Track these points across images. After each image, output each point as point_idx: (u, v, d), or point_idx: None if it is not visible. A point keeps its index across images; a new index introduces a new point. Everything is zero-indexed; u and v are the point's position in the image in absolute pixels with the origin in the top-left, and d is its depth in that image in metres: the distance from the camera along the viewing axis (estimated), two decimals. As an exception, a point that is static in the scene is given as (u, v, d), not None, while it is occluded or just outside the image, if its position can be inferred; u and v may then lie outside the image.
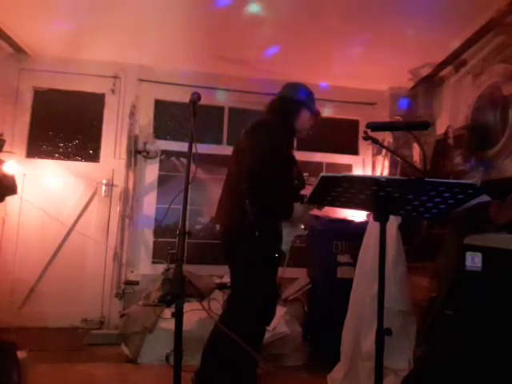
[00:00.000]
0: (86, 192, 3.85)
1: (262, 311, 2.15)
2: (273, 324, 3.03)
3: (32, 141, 3.89)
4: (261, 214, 2.01)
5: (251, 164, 2.00)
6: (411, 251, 2.81)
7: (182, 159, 4.04)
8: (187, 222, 3.97)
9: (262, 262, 2.09)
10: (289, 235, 2.15)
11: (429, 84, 3.94)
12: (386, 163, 3.93)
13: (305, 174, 4.13)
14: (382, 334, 1.49)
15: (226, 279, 3.66)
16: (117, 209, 3.83)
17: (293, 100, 2.27)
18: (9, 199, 3.44)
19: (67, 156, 3.98)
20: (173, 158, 4.05)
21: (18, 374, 2.17)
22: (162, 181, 4.00)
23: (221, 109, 4.19)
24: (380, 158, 4.07)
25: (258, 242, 2.05)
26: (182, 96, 3.64)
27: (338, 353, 2.64)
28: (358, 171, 4.29)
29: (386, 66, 3.66)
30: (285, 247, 2.13)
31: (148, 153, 3.87)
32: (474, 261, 1.97)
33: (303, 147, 4.31)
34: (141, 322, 2.99)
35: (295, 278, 3.68)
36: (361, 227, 2.90)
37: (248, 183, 1.99)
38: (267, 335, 2.95)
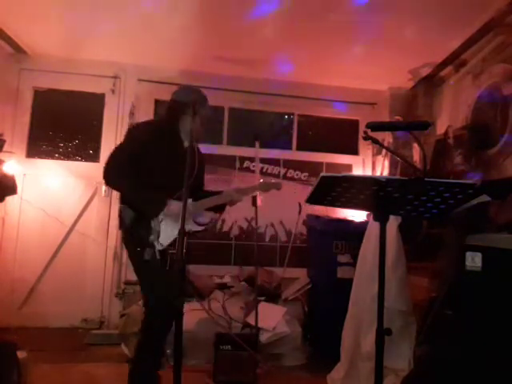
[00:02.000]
0: (86, 192, 3.85)
1: (151, 304, 2.26)
2: (273, 324, 3.04)
3: (32, 141, 3.89)
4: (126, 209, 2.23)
5: (105, 164, 2.22)
6: (411, 251, 2.81)
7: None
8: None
9: (134, 254, 2.23)
10: (168, 230, 2.21)
11: (429, 84, 3.93)
12: (386, 163, 3.93)
13: (304, 174, 4.19)
14: (382, 333, 1.50)
15: (226, 279, 3.67)
16: (117, 209, 3.82)
17: (177, 102, 2.36)
18: (9, 199, 3.44)
19: (67, 156, 3.98)
20: (173, 158, 4.05)
21: (18, 373, 2.18)
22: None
23: (221, 109, 4.19)
24: (380, 158, 4.07)
25: (128, 235, 2.26)
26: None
27: (338, 353, 2.65)
28: (358, 171, 4.29)
29: (385, 66, 3.66)
30: (164, 242, 2.19)
31: (148, 153, 3.87)
32: (474, 261, 1.97)
33: (303, 147, 4.33)
34: (141, 322, 2.98)
35: (295, 278, 3.68)
36: (361, 227, 2.90)
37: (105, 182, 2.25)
38: (267, 335, 2.97)
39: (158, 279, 2.23)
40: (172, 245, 2.22)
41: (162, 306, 2.20)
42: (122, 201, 2.28)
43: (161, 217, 2.21)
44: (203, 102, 2.38)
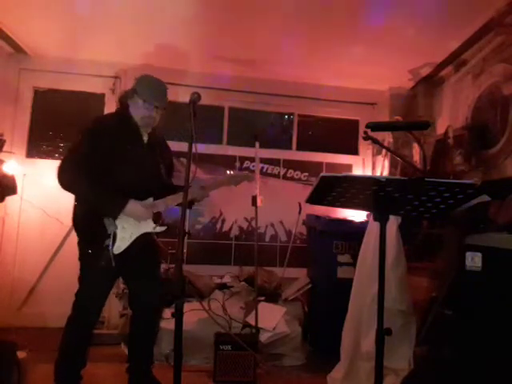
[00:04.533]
0: (86, 192, 3.84)
1: (79, 308, 2.23)
2: (273, 324, 3.04)
3: (32, 141, 3.89)
4: (81, 207, 2.17)
5: (59, 165, 2.14)
6: (411, 251, 2.81)
7: (181, 159, 4.04)
8: (187, 222, 3.98)
9: (83, 256, 2.23)
10: (125, 231, 2.16)
11: (429, 84, 3.94)
12: (386, 163, 3.93)
13: (304, 174, 4.19)
14: (382, 334, 1.50)
15: (226, 279, 3.67)
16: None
17: (130, 90, 2.30)
18: (9, 199, 3.43)
19: (67, 156, 3.98)
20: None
21: (18, 373, 2.17)
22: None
23: (221, 109, 4.19)
24: (380, 158, 4.07)
25: (80, 235, 2.20)
26: (182, 96, 3.64)
27: (338, 353, 2.64)
28: (357, 171, 4.29)
29: (385, 66, 3.66)
30: (120, 243, 2.14)
31: (148, 153, 3.87)
32: (473, 261, 1.98)
33: (303, 147, 4.33)
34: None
35: (295, 278, 3.68)
36: (361, 227, 2.90)
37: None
38: (267, 335, 2.96)
39: (91, 288, 2.22)
40: (131, 247, 2.16)
41: (83, 315, 2.22)
42: (77, 200, 2.20)
43: (118, 219, 2.13)
44: (146, 86, 2.28)
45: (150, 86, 2.29)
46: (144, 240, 2.23)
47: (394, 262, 2.53)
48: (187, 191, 1.71)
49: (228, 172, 2.70)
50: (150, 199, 2.23)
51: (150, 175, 2.27)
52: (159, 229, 2.28)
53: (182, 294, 1.56)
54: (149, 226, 2.24)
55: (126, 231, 2.17)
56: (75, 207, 2.21)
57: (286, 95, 4.14)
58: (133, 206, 2.13)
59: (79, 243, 2.23)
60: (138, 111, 2.25)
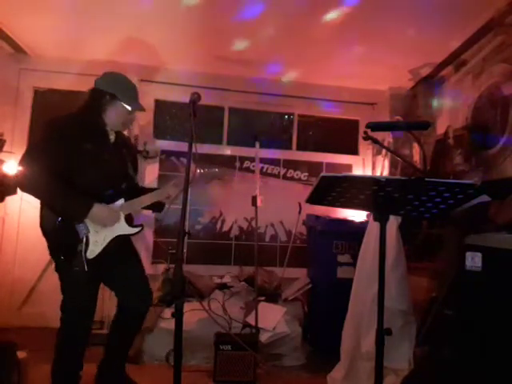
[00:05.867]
0: (86, 192, 3.84)
1: (68, 322, 2.18)
2: (273, 324, 3.04)
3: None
4: (48, 211, 2.04)
5: (18, 165, 1.99)
6: (411, 251, 2.81)
7: (181, 159, 4.04)
8: (187, 222, 3.98)
9: (59, 266, 2.10)
10: (98, 234, 2.07)
11: (429, 84, 3.93)
12: (386, 163, 3.93)
13: (304, 174, 4.19)
14: (382, 334, 1.50)
15: (226, 279, 3.67)
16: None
17: (103, 92, 2.16)
18: (9, 199, 3.43)
19: (67, 156, 3.98)
20: (173, 158, 4.05)
21: (18, 374, 2.18)
22: (162, 181, 4.00)
23: (221, 109, 4.19)
24: (380, 158, 4.07)
25: (51, 243, 2.07)
26: (182, 96, 3.63)
27: (337, 353, 2.65)
28: (358, 171, 4.28)
29: (386, 66, 3.66)
30: (94, 247, 2.06)
31: (148, 153, 3.87)
32: (474, 261, 1.98)
33: (303, 147, 4.33)
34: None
35: (295, 278, 3.68)
36: (361, 227, 2.90)
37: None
38: (267, 335, 2.97)
39: (76, 296, 2.12)
40: (106, 250, 2.08)
41: (74, 321, 2.16)
42: (42, 203, 2.06)
43: (89, 221, 2.04)
44: (127, 91, 2.19)
45: (130, 90, 2.23)
46: (119, 242, 2.15)
47: (394, 262, 2.53)
48: (187, 191, 1.71)
49: (198, 171, 2.67)
50: (122, 200, 2.15)
51: (119, 175, 2.20)
52: (133, 230, 2.22)
53: (182, 293, 1.56)
54: (122, 228, 2.16)
55: (99, 234, 2.07)
56: (42, 211, 2.07)
57: (286, 95, 4.14)
58: (99, 209, 2.02)
59: (52, 253, 2.09)
60: (119, 116, 2.19)
